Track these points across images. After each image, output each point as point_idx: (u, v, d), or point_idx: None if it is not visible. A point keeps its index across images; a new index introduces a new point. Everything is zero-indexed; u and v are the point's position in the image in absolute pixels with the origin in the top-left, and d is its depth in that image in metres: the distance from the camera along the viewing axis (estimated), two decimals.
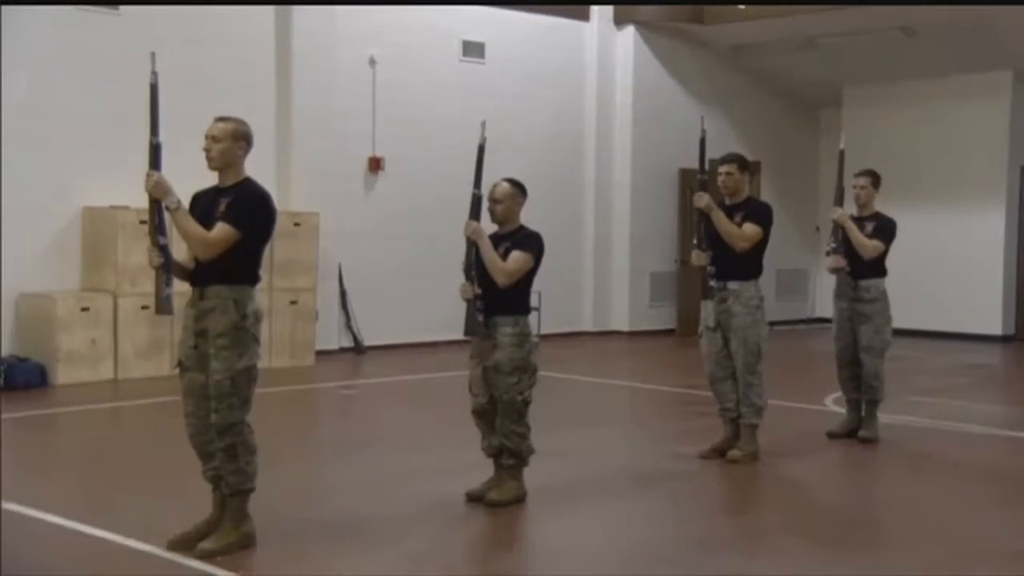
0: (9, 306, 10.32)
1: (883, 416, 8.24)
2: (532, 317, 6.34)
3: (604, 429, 8.80)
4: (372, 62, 12.82)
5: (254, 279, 5.17)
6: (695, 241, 7.26)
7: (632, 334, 15.04)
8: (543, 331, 13.20)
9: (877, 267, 8.07)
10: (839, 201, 8.09)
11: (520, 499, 6.11)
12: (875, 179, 8.16)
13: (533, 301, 6.64)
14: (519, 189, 6.15)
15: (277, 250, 11.05)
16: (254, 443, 5.16)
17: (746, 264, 7.20)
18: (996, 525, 6.05)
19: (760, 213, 7.25)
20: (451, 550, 5.58)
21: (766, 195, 14.26)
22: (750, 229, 7.15)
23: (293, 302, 11.65)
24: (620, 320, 15.21)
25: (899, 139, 15.51)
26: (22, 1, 10.28)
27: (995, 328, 14.91)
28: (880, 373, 8.06)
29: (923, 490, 6.84)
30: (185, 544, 5.10)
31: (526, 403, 6.08)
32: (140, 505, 6.02)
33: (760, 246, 7.21)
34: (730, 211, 7.23)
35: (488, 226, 6.04)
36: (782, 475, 7.16)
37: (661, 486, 6.81)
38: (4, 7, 9.96)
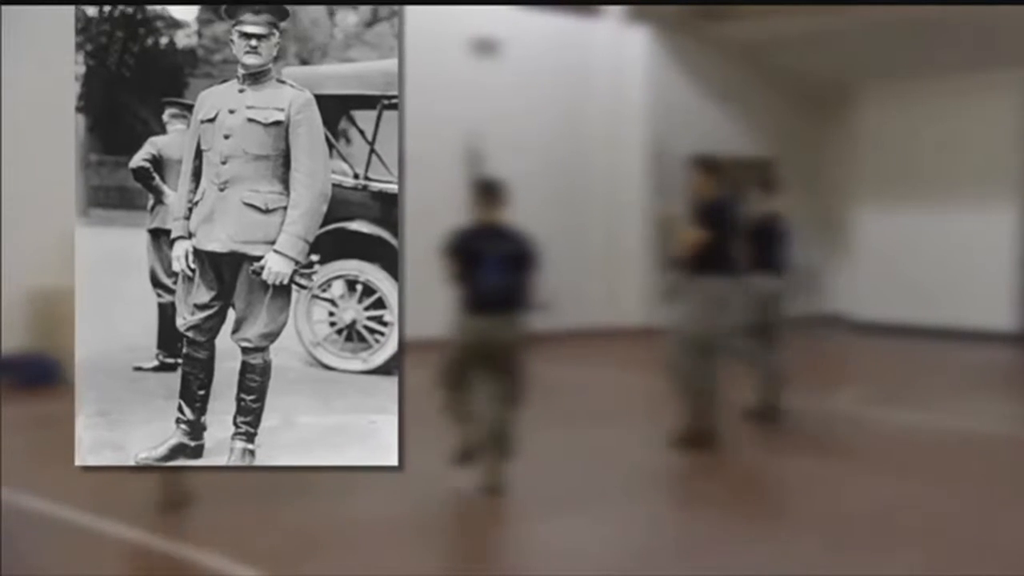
0: (22, 302, 10.31)
1: (888, 415, 8.22)
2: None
3: (604, 429, 8.74)
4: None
5: None
6: None
7: (643, 331, 14.94)
8: (553, 328, 13.14)
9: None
10: None
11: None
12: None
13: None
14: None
15: None
16: None
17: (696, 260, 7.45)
18: (996, 525, 6.02)
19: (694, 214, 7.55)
20: (452, 549, 5.59)
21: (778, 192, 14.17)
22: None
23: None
24: (632, 316, 15.13)
25: (912, 136, 15.43)
26: (23, 1, 10.28)
27: (1004, 326, 14.83)
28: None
29: (923, 490, 6.79)
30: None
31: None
32: (149, 503, 6.00)
33: (705, 244, 7.38)
34: None
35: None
36: (781, 474, 7.16)
37: (661, 486, 6.81)
38: (4, 7, 9.98)
